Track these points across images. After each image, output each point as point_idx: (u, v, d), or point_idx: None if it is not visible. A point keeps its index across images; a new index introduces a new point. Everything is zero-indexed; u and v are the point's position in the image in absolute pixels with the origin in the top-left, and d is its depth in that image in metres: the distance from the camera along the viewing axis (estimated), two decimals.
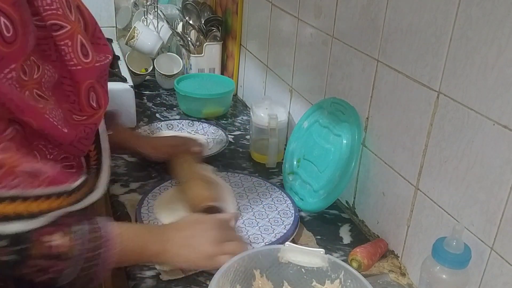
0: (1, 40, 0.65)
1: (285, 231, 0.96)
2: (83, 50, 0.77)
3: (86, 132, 0.81)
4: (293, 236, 0.97)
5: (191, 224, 0.86)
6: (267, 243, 0.92)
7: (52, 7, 0.72)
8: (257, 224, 0.99)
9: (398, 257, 0.95)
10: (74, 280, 0.70)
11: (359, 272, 0.76)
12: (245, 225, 0.99)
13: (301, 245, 0.85)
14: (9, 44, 0.66)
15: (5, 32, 0.65)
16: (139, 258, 0.81)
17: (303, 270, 0.80)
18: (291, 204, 1.05)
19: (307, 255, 0.79)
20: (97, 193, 0.79)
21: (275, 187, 1.11)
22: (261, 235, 0.95)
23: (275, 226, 0.98)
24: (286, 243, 0.81)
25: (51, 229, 0.68)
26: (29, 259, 0.66)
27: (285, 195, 1.08)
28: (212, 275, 0.73)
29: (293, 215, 1.01)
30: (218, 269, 0.73)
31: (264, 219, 1.00)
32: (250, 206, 1.04)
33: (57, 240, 0.67)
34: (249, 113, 1.34)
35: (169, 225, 0.87)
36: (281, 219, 1.00)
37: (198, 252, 0.82)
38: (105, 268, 0.72)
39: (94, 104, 0.82)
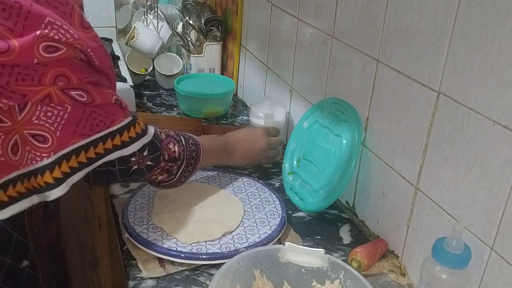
0: None
1: (270, 232, 0.95)
2: None
3: None
4: (278, 237, 0.96)
5: (247, 137, 1.15)
6: (250, 244, 0.92)
7: None
8: (242, 224, 0.98)
9: (398, 257, 0.95)
10: (180, 177, 0.94)
11: (359, 272, 0.76)
12: None
13: None
14: None
15: None
16: (215, 163, 1.10)
17: (303, 270, 0.80)
18: (279, 205, 1.04)
19: (307, 255, 0.79)
20: None
21: (265, 188, 1.11)
22: (245, 235, 0.95)
23: (260, 226, 0.97)
24: (286, 243, 0.80)
25: (168, 139, 0.89)
26: (160, 162, 0.87)
27: (274, 196, 1.08)
28: (212, 275, 0.73)
29: (280, 216, 1.01)
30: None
31: (250, 219, 1.00)
32: None
33: (174, 147, 0.89)
34: (249, 113, 1.34)
35: (232, 138, 1.12)
36: (267, 219, 1.00)
37: (253, 159, 1.16)
38: (198, 167, 0.97)
39: None
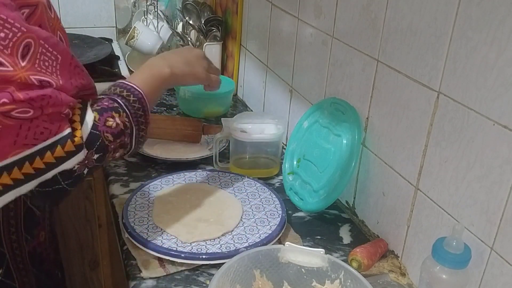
0: None
1: (270, 232, 0.95)
2: None
3: None
4: (278, 237, 0.96)
5: (184, 50, 1.03)
6: (250, 244, 0.92)
7: None
8: (242, 224, 0.98)
9: (398, 257, 0.95)
10: (139, 142, 0.83)
11: (359, 272, 0.76)
12: None
13: None
14: None
15: None
16: (160, 88, 0.94)
17: (303, 270, 0.80)
18: (279, 205, 1.04)
19: (307, 255, 0.79)
20: None
21: (265, 188, 1.11)
22: (245, 235, 0.95)
23: (260, 226, 0.97)
24: (286, 243, 0.81)
25: (105, 116, 0.76)
26: (108, 147, 0.76)
27: (274, 196, 1.08)
28: (212, 275, 0.73)
29: (280, 216, 1.01)
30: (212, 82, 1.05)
31: (250, 219, 1.00)
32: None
33: (114, 121, 0.77)
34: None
35: (166, 56, 1.00)
36: (267, 219, 1.00)
37: (194, 65, 0.99)
38: (149, 115, 0.84)
39: None
